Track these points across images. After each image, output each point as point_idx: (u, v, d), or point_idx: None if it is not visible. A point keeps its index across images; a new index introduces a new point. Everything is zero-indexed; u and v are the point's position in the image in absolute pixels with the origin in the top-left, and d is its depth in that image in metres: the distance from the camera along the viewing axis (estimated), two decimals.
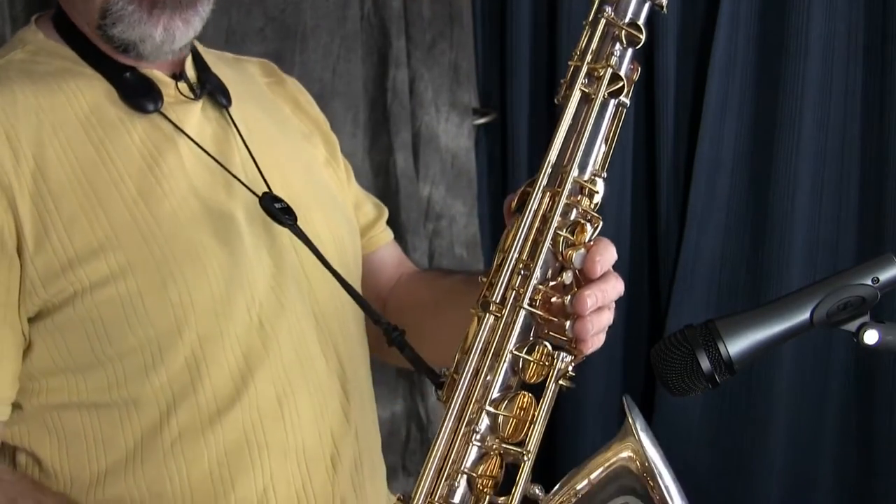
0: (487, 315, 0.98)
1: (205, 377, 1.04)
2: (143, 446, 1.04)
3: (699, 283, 2.09)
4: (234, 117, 1.16)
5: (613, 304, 1.02)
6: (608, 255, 0.99)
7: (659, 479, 0.93)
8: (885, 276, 0.93)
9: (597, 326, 0.98)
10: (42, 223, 1.01)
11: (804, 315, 0.94)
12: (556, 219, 0.98)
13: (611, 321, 1.02)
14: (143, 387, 1.03)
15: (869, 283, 0.93)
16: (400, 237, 2.08)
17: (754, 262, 2.05)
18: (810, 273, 1.99)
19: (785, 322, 0.94)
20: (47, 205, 1.01)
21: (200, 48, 1.22)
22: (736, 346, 0.93)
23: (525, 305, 0.97)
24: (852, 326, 0.94)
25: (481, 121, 2.24)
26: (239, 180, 1.09)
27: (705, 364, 0.93)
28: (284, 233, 1.10)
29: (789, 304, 0.95)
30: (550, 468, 2.19)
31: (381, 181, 2.12)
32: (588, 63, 1.01)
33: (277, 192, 1.12)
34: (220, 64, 1.23)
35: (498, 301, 0.98)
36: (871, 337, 0.93)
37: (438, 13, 2.15)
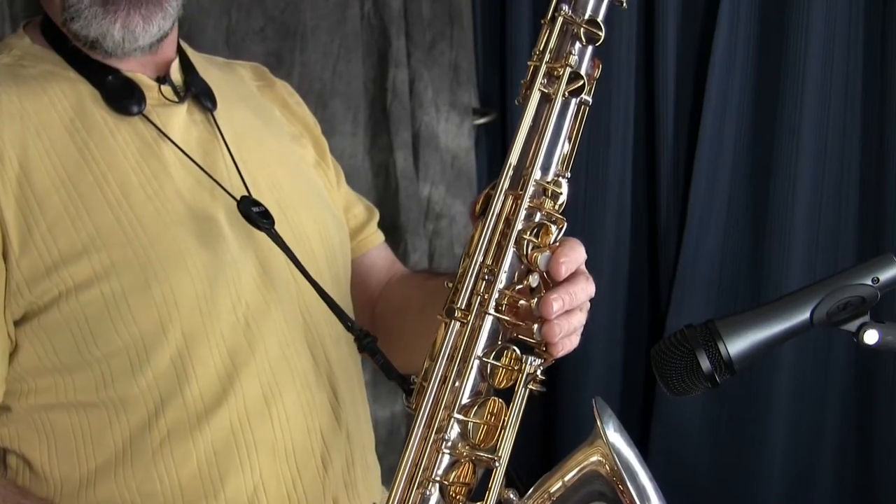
0: (453, 321, 0.97)
1: (191, 376, 1.04)
2: (132, 446, 1.04)
3: (699, 283, 2.09)
4: (221, 120, 1.16)
5: (587, 305, 1.00)
6: (574, 255, 0.97)
7: (629, 482, 0.92)
8: (885, 276, 0.93)
9: (566, 329, 0.97)
10: (27, 225, 1.02)
11: (804, 315, 0.94)
12: (520, 222, 0.97)
13: (583, 323, 1.00)
14: (130, 387, 1.04)
15: (869, 283, 0.93)
16: (400, 237, 2.08)
17: (754, 262, 2.06)
18: (810, 273, 1.99)
19: (785, 322, 0.94)
20: (31, 207, 1.02)
21: (190, 52, 1.22)
22: (736, 346, 0.93)
23: (491, 311, 0.96)
24: (852, 326, 0.94)
25: (481, 121, 2.24)
26: (220, 184, 1.09)
27: (705, 364, 0.93)
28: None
29: (789, 304, 0.95)
30: (551, 460, 2.19)
31: (381, 181, 2.12)
32: (547, 63, 0.99)
33: (265, 193, 1.13)
34: (210, 67, 1.24)
35: (463, 307, 0.96)
36: (871, 337, 0.93)
37: (438, 13, 2.15)
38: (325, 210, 1.23)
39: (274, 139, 1.24)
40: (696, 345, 0.93)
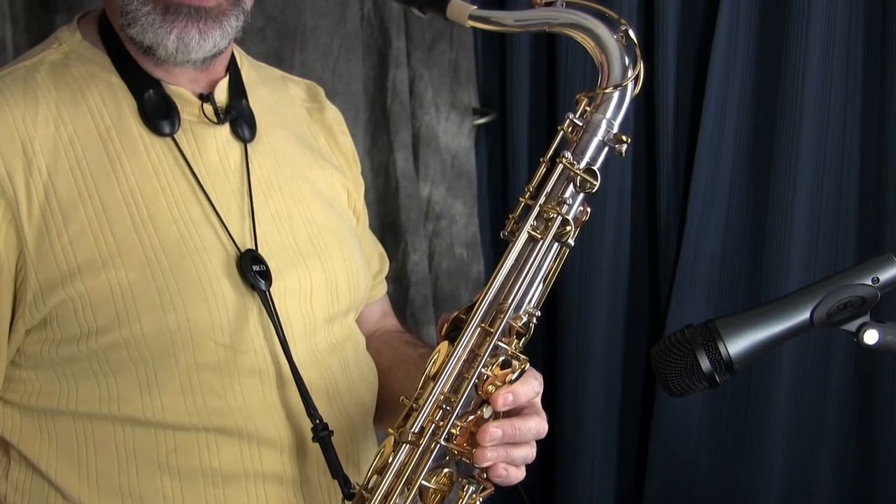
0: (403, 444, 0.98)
1: (199, 404, 1.04)
2: (137, 455, 1.04)
3: (699, 283, 2.09)
4: (262, 146, 1.15)
5: (533, 444, 1.01)
6: (523, 391, 0.98)
7: None
8: (885, 276, 0.94)
9: (501, 458, 0.98)
10: (48, 234, 1.01)
11: (804, 315, 0.94)
12: (485, 357, 0.98)
13: (528, 459, 1.01)
14: (136, 404, 1.03)
15: (869, 283, 0.93)
16: (400, 237, 2.08)
17: (754, 262, 2.06)
18: (810, 273, 1.99)
19: (785, 322, 0.94)
20: (55, 218, 1.01)
21: (246, 63, 1.21)
22: (736, 346, 0.93)
23: (442, 441, 0.97)
24: (852, 326, 0.94)
25: (481, 121, 2.24)
26: (227, 230, 1.07)
27: (705, 364, 0.93)
28: (296, 269, 1.11)
29: (789, 304, 0.95)
30: (550, 461, 2.19)
31: (381, 181, 2.12)
32: (540, 204, 1.00)
33: (298, 227, 1.13)
34: (261, 86, 1.22)
35: (417, 430, 0.98)
36: (871, 337, 0.93)
37: None
38: (355, 249, 1.22)
39: (314, 170, 1.22)
40: (696, 345, 0.93)
